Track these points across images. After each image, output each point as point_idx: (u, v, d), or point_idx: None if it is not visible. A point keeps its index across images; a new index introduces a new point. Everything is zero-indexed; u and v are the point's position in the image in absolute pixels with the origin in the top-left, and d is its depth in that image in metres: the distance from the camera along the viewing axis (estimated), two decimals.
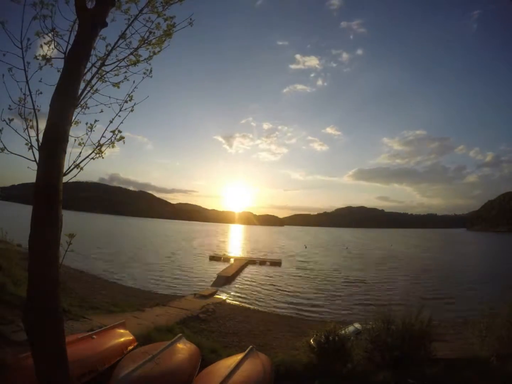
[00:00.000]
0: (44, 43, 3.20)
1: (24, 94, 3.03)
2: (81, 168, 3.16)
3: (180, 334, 5.48)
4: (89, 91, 3.33)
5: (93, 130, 3.34)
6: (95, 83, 3.41)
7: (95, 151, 3.30)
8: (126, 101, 3.39)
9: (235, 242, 76.01)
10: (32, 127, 3.01)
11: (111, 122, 3.33)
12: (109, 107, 3.39)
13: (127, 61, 3.53)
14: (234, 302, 18.27)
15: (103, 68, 3.43)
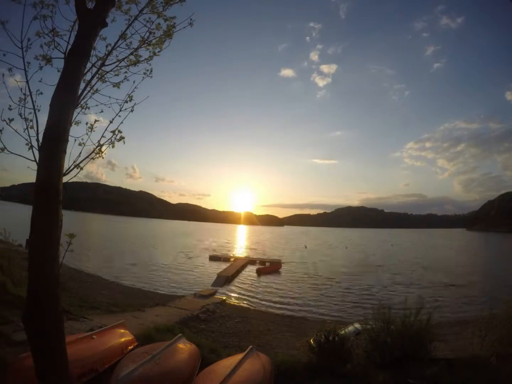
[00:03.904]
0: (45, 43, 3.20)
1: (24, 94, 3.03)
2: (81, 168, 3.17)
3: (180, 334, 5.47)
4: (89, 91, 3.33)
5: (93, 130, 3.34)
6: (95, 83, 3.41)
7: (95, 151, 3.31)
8: (126, 101, 3.39)
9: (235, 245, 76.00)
10: (32, 127, 3.01)
11: (111, 122, 3.33)
12: (109, 107, 3.39)
13: (127, 61, 3.53)
14: (234, 302, 18.26)
15: (103, 68, 3.43)
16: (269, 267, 31.03)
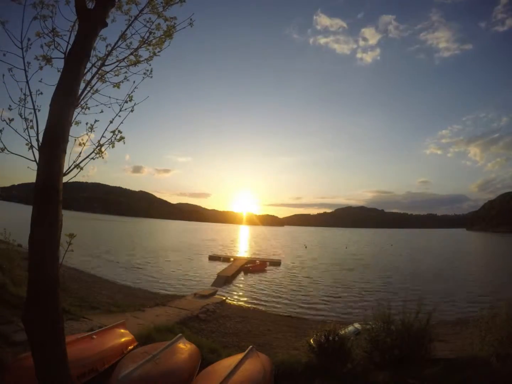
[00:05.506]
0: (45, 44, 3.20)
1: (24, 94, 3.03)
2: (81, 168, 3.16)
3: (180, 334, 5.47)
4: (89, 91, 3.33)
5: (93, 130, 3.34)
6: (95, 83, 3.41)
7: (95, 151, 3.30)
8: (126, 101, 3.39)
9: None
10: (32, 127, 3.00)
11: (111, 122, 3.33)
12: (109, 107, 3.39)
13: (127, 61, 3.53)
14: (234, 302, 18.27)
15: (103, 68, 3.43)
16: (258, 265, 31.50)
